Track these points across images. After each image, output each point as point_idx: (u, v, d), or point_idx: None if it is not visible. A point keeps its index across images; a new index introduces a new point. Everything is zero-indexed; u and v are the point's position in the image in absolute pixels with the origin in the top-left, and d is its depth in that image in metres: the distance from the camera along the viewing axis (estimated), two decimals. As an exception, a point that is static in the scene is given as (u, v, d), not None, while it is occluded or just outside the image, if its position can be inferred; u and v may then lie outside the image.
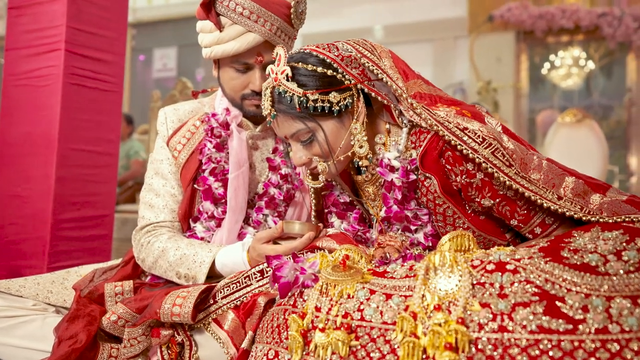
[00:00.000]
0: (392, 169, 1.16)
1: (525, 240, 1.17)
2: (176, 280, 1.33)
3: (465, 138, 1.06)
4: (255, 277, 1.17)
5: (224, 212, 1.42)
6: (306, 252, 1.19)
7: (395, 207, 1.18)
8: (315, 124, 1.14)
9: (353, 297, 0.93)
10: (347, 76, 1.13)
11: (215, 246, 1.35)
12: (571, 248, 0.86)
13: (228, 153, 1.46)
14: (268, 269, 1.17)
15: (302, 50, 1.17)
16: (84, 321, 1.23)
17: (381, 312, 0.88)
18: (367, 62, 1.15)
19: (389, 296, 0.90)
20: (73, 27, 1.93)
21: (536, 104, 7.36)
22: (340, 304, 0.92)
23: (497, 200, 1.10)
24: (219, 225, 1.43)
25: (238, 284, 1.18)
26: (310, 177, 1.26)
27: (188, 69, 6.92)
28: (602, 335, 0.73)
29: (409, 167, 1.16)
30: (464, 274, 0.85)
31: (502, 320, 0.79)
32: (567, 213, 1.03)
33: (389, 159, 1.17)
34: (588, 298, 0.77)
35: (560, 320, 0.76)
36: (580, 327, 0.75)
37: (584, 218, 1.02)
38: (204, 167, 1.44)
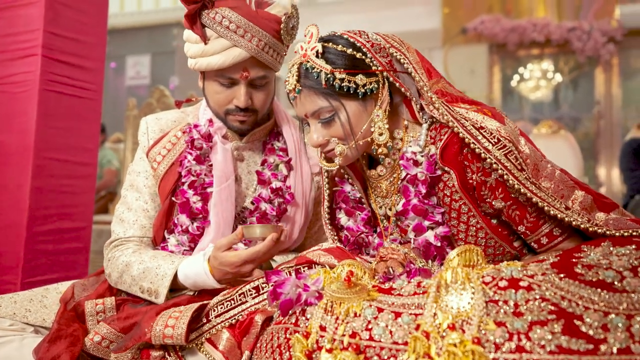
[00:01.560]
0: (417, 163, 1.15)
1: (532, 250, 1.16)
2: (140, 294, 1.28)
3: (479, 137, 1.06)
4: (251, 294, 1.13)
5: (199, 229, 1.37)
6: (304, 268, 1.15)
7: (415, 200, 1.14)
8: (339, 103, 1.13)
9: (360, 315, 0.88)
10: (375, 62, 1.14)
11: (178, 258, 1.30)
12: (584, 264, 0.84)
13: (210, 166, 1.40)
14: (264, 285, 1.13)
15: (332, 33, 1.18)
16: (67, 342, 1.17)
17: (391, 332, 0.84)
18: (396, 52, 1.15)
19: (397, 314, 0.86)
20: (50, 31, 1.85)
21: (508, 115, 7.48)
22: (347, 322, 0.88)
23: (509, 203, 1.09)
24: (192, 241, 1.38)
25: (232, 302, 1.13)
26: (325, 160, 1.24)
27: (162, 76, 6.79)
28: (625, 356, 0.71)
29: (433, 159, 1.15)
30: (477, 291, 0.82)
31: (519, 339, 0.76)
32: (574, 223, 1.03)
33: (413, 153, 1.15)
34: (607, 316, 0.75)
35: (581, 340, 0.73)
36: (602, 347, 0.72)
37: (590, 229, 1.02)
38: (183, 180, 1.38)
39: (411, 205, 1.14)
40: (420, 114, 1.18)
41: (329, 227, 1.33)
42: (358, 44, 1.14)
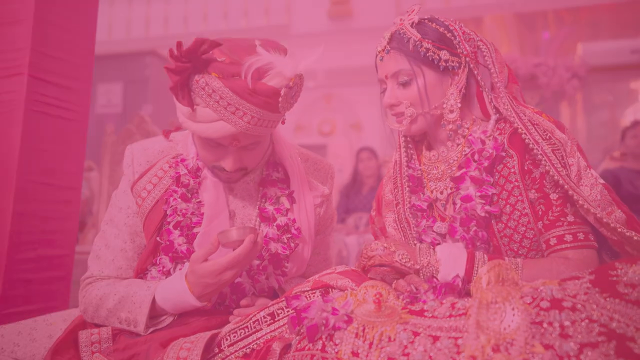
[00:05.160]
0: (484, 143, 1.22)
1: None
2: (118, 325, 1.21)
3: (532, 131, 1.16)
4: (266, 321, 1.07)
5: None
6: (317, 291, 1.10)
7: (475, 172, 1.19)
8: (419, 69, 1.23)
9: (395, 340, 0.84)
10: (461, 46, 1.24)
11: (154, 282, 1.23)
12: (626, 282, 0.82)
13: (199, 203, 1.31)
14: (279, 312, 1.07)
15: (431, 15, 1.29)
16: (60, 375, 1.08)
17: (430, 357, 0.80)
18: (483, 46, 1.26)
19: (435, 338, 0.82)
20: (38, 50, 1.78)
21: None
22: (382, 347, 0.84)
23: (539, 195, 1.16)
24: None
25: (246, 330, 1.07)
26: (394, 122, 1.29)
27: (135, 105, 6.68)
28: (684, 378, 0.69)
29: (499, 141, 1.21)
30: (520, 312, 0.79)
31: (571, 362, 0.73)
32: (598, 214, 1.07)
33: (483, 132, 1.23)
34: (661, 337, 0.73)
35: (638, 363, 0.71)
36: (660, 368, 0.70)
37: (618, 229, 1.06)
38: (168, 220, 1.29)
39: (469, 174, 1.19)
40: (491, 105, 1.26)
41: (407, 187, 1.32)
42: (451, 27, 1.25)
